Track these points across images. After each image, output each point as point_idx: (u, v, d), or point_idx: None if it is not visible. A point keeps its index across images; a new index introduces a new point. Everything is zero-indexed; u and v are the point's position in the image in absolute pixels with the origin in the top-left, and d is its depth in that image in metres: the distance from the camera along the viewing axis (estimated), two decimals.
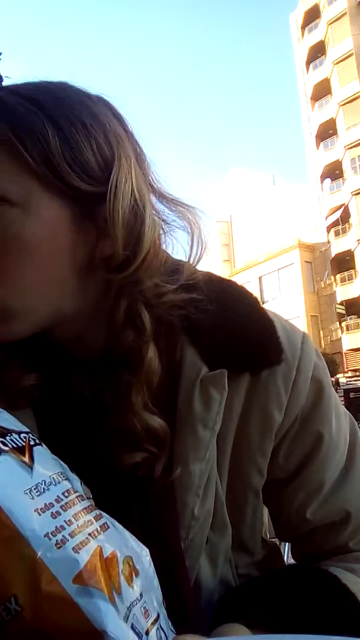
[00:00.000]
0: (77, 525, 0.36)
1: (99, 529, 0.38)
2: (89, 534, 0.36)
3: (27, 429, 0.43)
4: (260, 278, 26.22)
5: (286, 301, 24.06)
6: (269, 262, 25.99)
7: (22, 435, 0.41)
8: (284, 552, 1.16)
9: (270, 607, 0.51)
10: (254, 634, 0.46)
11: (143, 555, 0.42)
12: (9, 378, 0.54)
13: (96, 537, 0.37)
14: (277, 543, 0.72)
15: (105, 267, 0.50)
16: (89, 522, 0.38)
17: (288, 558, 1.14)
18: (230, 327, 0.56)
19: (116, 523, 0.42)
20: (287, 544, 1.03)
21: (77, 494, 0.40)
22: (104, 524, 0.39)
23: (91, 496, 0.46)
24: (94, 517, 0.39)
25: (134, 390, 0.52)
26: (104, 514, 0.41)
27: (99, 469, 0.55)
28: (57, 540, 0.34)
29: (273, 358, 0.56)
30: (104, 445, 0.53)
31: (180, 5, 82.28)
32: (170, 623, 0.43)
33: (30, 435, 0.42)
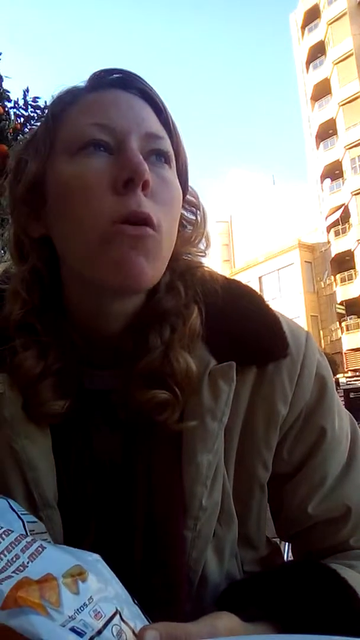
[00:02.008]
0: None
1: (25, 562, 0.40)
2: (13, 572, 0.39)
3: None
4: (260, 278, 26.23)
5: (286, 301, 24.05)
6: (269, 262, 26.02)
7: None
8: (285, 552, 1.16)
9: (270, 601, 0.51)
10: (246, 625, 0.46)
11: (92, 560, 0.43)
12: (39, 398, 0.55)
13: (22, 570, 0.39)
14: (278, 543, 0.73)
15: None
16: (14, 559, 0.40)
17: (288, 558, 1.14)
18: (237, 321, 0.59)
19: (53, 544, 0.44)
20: (287, 544, 1.03)
21: (1, 530, 0.42)
22: (34, 551, 0.41)
23: (43, 530, 0.49)
24: (20, 550, 0.41)
25: (177, 336, 0.56)
26: (36, 540, 0.42)
27: (106, 463, 0.57)
28: None
29: (279, 351, 0.58)
30: (114, 433, 0.57)
31: (180, 5, 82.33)
32: (141, 610, 0.44)
33: None
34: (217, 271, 0.65)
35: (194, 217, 0.64)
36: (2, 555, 0.40)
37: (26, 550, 0.41)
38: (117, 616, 0.40)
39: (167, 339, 0.56)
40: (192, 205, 0.64)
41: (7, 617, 0.36)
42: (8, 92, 3.49)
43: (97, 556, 0.44)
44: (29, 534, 0.46)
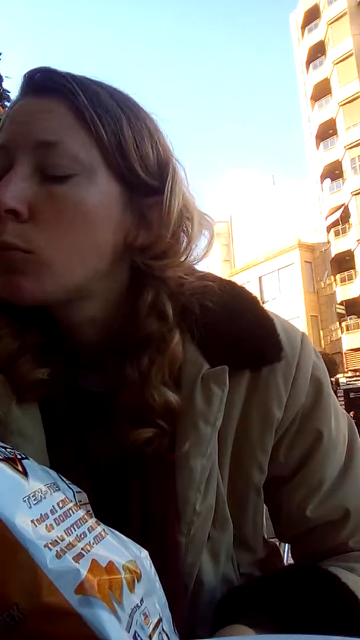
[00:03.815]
0: (69, 541, 0.37)
1: (92, 541, 0.38)
2: (82, 548, 0.37)
3: (9, 446, 0.44)
4: (260, 278, 26.23)
5: (286, 301, 24.06)
6: (269, 262, 26.01)
7: (8, 449, 0.42)
8: (284, 553, 1.16)
9: (270, 606, 0.51)
10: (256, 634, 0.46)
11: (142, 557, 0.42)
12: (20, 372, 0.55)
13: (89, 550, 0.37)
14: (277, 544, 0.72)
15: (140, 255, 0.55)
16: (82, 535, 0.38)
17: (288, 558, 1.14)
18: (230, 324, 0.57)
19: (112, 530, 0.42)
20: (286, 544, 1.03)
21: (71, 503, 0.41)
22: (98, 534, 0.39)
23: (87, 501, 0.47)
24: (87, 529, 0.39)
25: (155, 368, 0.54)
26: (99, 523, 0.41)
27: (100, 465, 0.57)
28: (57, 551, 0.35)
29: (273, 355, 0.57)
30: (108, 436, 0.55)
31: (179, 5, 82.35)
32: (174, 625, 0.43)
33: (15, 450, 0.43)
34: (212, 272, 0.64)
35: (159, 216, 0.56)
36: (73, 528, 0.38)
37: (92, 531, 0.39)
38: (161, 624, 0.39)
39: (145, 370, 0.54)
40: (152, 195, 0.55)
41: (78, 604, 0.33)
42: (8, 92, 3.51)
43: (146, 553, 0.43)
44: (77, 502, 0.45)
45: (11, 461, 0.40)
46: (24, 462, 0.41)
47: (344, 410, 0.66)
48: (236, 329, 0.57)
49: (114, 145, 0.52)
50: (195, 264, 0.60)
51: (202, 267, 0.64)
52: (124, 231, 0.54)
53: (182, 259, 0.57)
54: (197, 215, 0.57)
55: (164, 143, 0.57)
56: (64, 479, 0.46)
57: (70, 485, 0.46)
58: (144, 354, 0.55)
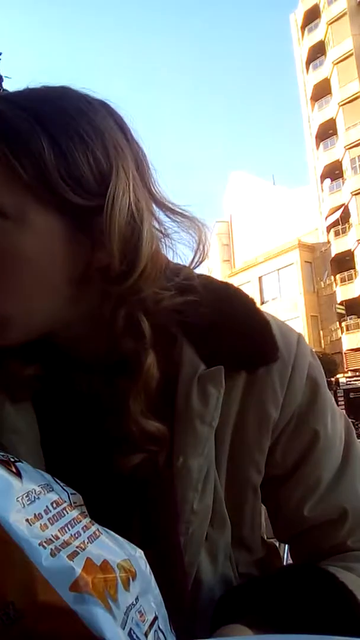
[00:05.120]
0: (64, 539, 0.37)
1: (86, 540, 0.38)
2: (76, 547, 0.37)
3: (3, 449, 0.44)
4: (260, 278, 26.27)
5: (286, 301, 24.09)
6: (268, 262, 26.04)
7: (1, 453, 0.42)
8: (283, 553, 1.16)
9: (269, 606, 0.51)
10: (255, 634, 0.46)
11: (137, 556, 0.42)
12: (10, 370, 0.55)
13: (84, 549, 0.37)
14: (277, 545, 0.72)
15: (103, 278, 0.51)
16: (76, 534, 0.38)
17: (287, 559, 1.14)
18: (226, 326, 0.58)
19: (107, 530, 0.42)
20: (285, 545, 1.03)
21: (65, 504, 0.41)
22: (92, 533, 0.40)
23: (82, 503, 0.47)
24: (81, 529, 0.39)
25: (131, 397, 0.53)
26: (93, 522, 0.41)
27: (98, 466, 0.56)
28: (51, 549, 0.35)
29: (269, 355, 0.58)
30: (103, 445, 0.55)
31: (179, 4, 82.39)
32: (170, 624, 0.43)
33: (9, 455, 0.43)
34: (212, 276, 0.63)
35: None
36: (67, 528, 0.38)
37: (87, 530, 0.40)
38: (156, 622, 0.40)
39: (121, 399, 0.53)
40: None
41: (73, 601, 0.33)
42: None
43: (140, 552, 0.43)
44: (72, 503, 0.45)
45: (5, 463, 0.40)
46: (18, 464, 0.42)
47: (342, 411, 0.66)
48: (232, 330, 0.57)
49: (37, 180, 0.47)
50: (195, 267, 0.60)
51: (201, 268, 0.63)
52: (82, 258, 0.51)
53: (151, 272, 0.51)
54: (147, 220, 0.52)
55: (107, 147, 0.50)
56: (59, 481, 0.46)
57: (65, 487, 0.46)
58: (120, 381, 0.54)
